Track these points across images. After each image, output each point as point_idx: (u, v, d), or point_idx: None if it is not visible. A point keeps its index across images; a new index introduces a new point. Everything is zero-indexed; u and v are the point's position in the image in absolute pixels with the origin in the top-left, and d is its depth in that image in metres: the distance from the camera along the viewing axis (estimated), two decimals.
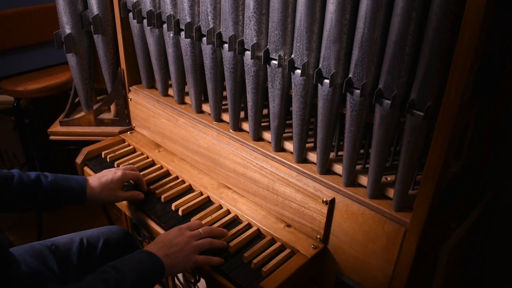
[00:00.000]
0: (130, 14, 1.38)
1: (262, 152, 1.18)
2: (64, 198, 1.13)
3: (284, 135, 1.18)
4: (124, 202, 1.30)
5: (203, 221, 1.16)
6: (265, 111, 1.21)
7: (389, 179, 1.03)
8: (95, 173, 1.36)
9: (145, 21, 1.32)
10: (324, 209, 1.04)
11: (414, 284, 1.00)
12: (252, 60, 1.07)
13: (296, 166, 1.12)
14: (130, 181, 1.31)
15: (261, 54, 1.04)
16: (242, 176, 1.23)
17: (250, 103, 1.16)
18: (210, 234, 1.09)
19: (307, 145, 1.14)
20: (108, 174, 1.20)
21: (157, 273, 0.96)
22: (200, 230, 1.08)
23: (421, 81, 0.82)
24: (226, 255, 1.08)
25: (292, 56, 0.99)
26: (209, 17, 1.13)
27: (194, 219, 1.18)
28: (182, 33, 1.21)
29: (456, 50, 0.74)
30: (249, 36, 1.06)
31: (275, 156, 1.16)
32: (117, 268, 0.90)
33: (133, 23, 1.39)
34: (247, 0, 1.02)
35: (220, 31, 1.13)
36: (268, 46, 1.03)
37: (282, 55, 1.01)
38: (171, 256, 0.99)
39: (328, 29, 0.91)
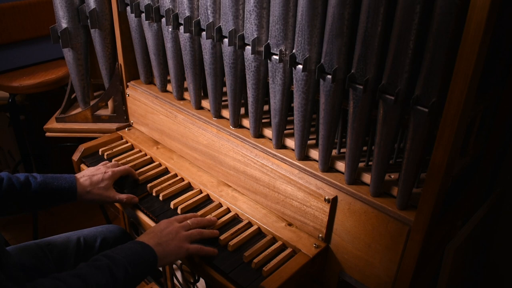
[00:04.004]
0: (128, 8, 1.36)
1: (262, 149, 1.17)
2: (54, 198, 1.13)
3: (285, 131, 1.16)
4: None
5: None
6: (266, 107, 1.20)
7: (392, 176, 1.02)
8: None
9: (143, 15, 1.31)
10: (326, 208, 1.03)
11: (418, 284, 0.99)
12: (253, 55, 1.06)
13: (298, 164, 1.10)
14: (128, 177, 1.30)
15: (262, 49, 1.02)
16: (243, 174, 1.21)
17: (250, 99, 1.14)
18: (198, 225, 1.10)
19: (309, 142, 1.12)
20: (99, 174, 1.21)
21: (150, 261, 0.96)
22: (188, 221, 1.09)
23: (426, 77, 0.81)
24: (226, 254, 1.06)
25: (294, 51, 0.98)
26: (209, 11, 1.11)
27: None
28: (181, 28, 1.20)
29: (462, 44, 0.73)
30: (250, 30, 1.04)
31: (276, 153, 1.14)
32: (109, 256, 0.92)
33: (131, 17, 1.37)
34: None
35: (220, 26, 1.11)
36: (269, 41, 1.01)
37: (283, 50, 0.99)
38: (163, 245, 1.00)
39: (330, 24, 0.89)
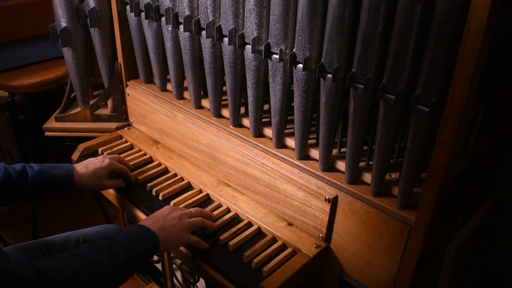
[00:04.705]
0: (128, 7, 1.36)
1: (263, 149, 1.16)
2: (52, 186, 1.13)
3: (286, 131, 1.16)
4: (122, 200, 1.28)
5: None
6: (266, 107, 1.19)
7: (393, 176, 1.01)
8: None
9: (143, 14, 1.30)
10: (327, 207, 1.03)
11: (418, 284, 0.99)
12: (253, 54, 1.05)
13: (298, 163, 1.10)
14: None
15: (262, 48, 1.02)
16: (243, 173, 1.21)
17: (250, 99, 1.13)
18: (200, 214, 1.11)
19: (309, 141, 1.12)
20: (96, 162, 1.22)
21: (151, 244, 0.97)
22: (191, 209, 1.11)
23: (426, 76, 0.81)
24: (226, 254, 1.06)
25: (294, 50, 0.97)
26: (209, 10, 1.11)
27: None
28: (181, 27, 1.19)
29: (462, 43, 0.72)
30: (250, 29, 1.03)
31: (276, 153, 1.14)
32: (110, 238, 0.92)
33: (131, 16, 1.36)
34: None
35: (220, 25, 1.10)
36: (269, 40, 1.01)
37: (283, 49, 0.99)
38: (165, 230, 1.00)
39: (331, 23, 0.89)
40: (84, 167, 1.19)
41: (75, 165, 1.19)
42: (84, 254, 0.86)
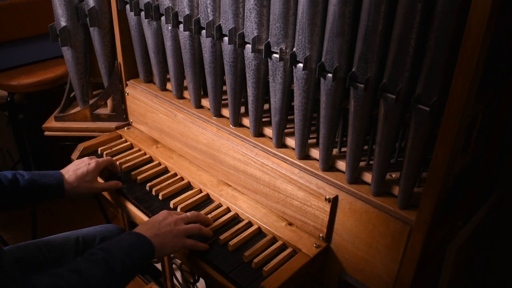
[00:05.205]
0: (127, 6, 1.36)
1: (263, 148, 1.16)
2: (43, 195, 1.14)
3: (286, 130, 1.16)
4: (122, 200, 1.28)
5: None
6: (266, 106, 1.19)
7: (393, 176, 1.01)
8: None
9: (142, 13, 1.30)
10: (327, 207, 1.02)
11: (419, 284, 0.98)
12: (253, 53, 1.05)
13: (298, 163, 1.10)
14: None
15: (262, 47, 1.02)
16: (243, 173, 1.21)
17: (250, 98, 1.13)
18: (197, 218, 1.11)
19: (310, 141, 1.11)
20: (83, 166, 1.21)
21: (147, 252, 0.97)
22: (188, 214, 1.10)
23: (427, 75, 0.81)
24: (226, 254, 1.06)
25: (294, 49, 0.97)
26: (209, 9, 1.11)
27: None
28: (181, 26, 1.19)
29: (463, 43, 0.72)
30: (250, 29, 1.03)
31: (277, 153, 1.14)
32: (105, 249, 0.92)
33: (130, 15, 1.36)
34: None
35: (220, 24, 1.10)
36: (269, 39, 1.01)
37: (283, 48, 0.99)
38: (160, 236, 1.00)
39: (331, 22, 0.89)
40: (72, 173, 1.19)
41: (63, 172, 1.19)
42: (81, 269, 0.86)
